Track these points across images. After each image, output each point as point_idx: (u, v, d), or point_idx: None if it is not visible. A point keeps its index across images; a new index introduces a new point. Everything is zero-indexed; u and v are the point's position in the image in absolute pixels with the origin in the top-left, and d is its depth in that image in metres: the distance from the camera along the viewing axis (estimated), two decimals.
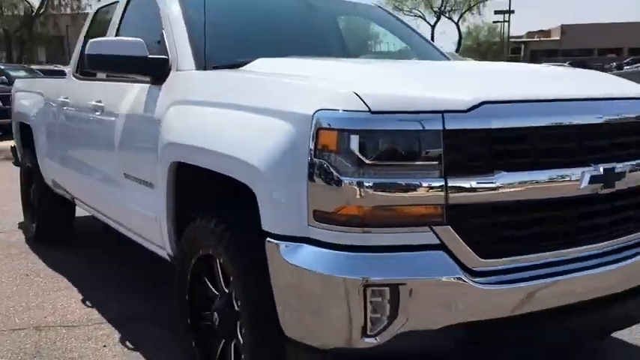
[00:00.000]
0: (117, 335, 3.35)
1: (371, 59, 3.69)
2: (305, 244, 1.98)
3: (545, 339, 2.13)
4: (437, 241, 1.93)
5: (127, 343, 3.25)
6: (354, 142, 1.89)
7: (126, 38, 3.06)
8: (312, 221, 1.96)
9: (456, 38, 50.20)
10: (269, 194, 2.06)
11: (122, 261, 4.72)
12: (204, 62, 2.87)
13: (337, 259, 1.91)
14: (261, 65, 2.70)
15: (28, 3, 28.72)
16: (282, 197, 2.02)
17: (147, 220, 3.06)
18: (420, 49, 3.96)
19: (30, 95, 5.21)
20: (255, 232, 2.15)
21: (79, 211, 5.31)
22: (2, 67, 18.56)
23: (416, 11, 45.44)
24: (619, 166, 2.17)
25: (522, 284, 2.01)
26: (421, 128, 1.90)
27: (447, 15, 44.95)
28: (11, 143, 6.32)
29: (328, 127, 1.92)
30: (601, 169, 2.12)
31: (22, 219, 5.86)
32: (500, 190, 1.97)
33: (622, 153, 2.22)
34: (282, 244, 2.02)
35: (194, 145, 2.53)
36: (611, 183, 2.15)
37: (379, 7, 4.40)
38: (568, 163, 2.09)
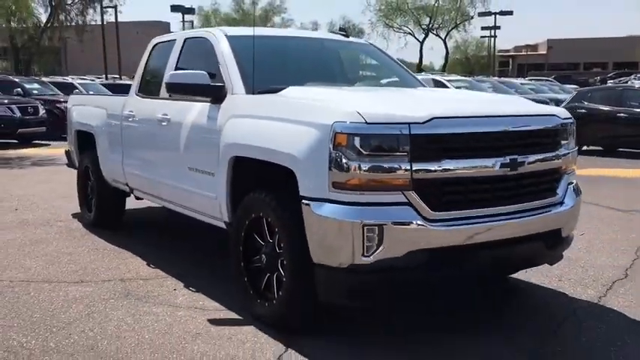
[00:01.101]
0: (182, 284, 4.63)
1: (365, 87, 4.99)
2: (326, 203, 3.28)
3: (472, 264, 3.44)
4: (405, 200, 3.24)
5: (191, 288, 4.52)
6: (357, 141, 3.20)
7: (195, 71, 4.36)
8: (331, 188, 3.26)
9: (444, 53, 51.92)
10: (305, 173, 3.37)
11: (170, 242, 6.02)
12: (252, 89, 4.19)
13: (346, 210, 3.22)
14: (292, 92, 3.99)
15: (37, 18, 30.18)
16: (313, 174, 3.32)
17: (207, 199, 4.35)
18: (401, 76, 5.29)
19: (91, 109, 6.48)
20: (291, 197, 3.45)
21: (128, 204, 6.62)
22: (17, 80, 19.77)
23: (405, 28, 47.13)
24: (520, 158, 3.50)
25: (457, 227, 3.33)
26: (397, 133, 3.21)
27: (434, 32, 46.60)
28: (65, 148, 7.58)
29: (341, 132, 3.22)
30: (508, 159, 3.45)
31: (73, 211, 7.13)
32: (445, 171, 3.29)
33: (523, 149, 3.55)
34: (313, 203, 3.32)
35: (249, 144, 3.84)
36: (514, 168, 3.47)
37: (371, 44, 5.74)
38: (487, 154, 3.41)
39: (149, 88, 5.56)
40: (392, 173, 3.22)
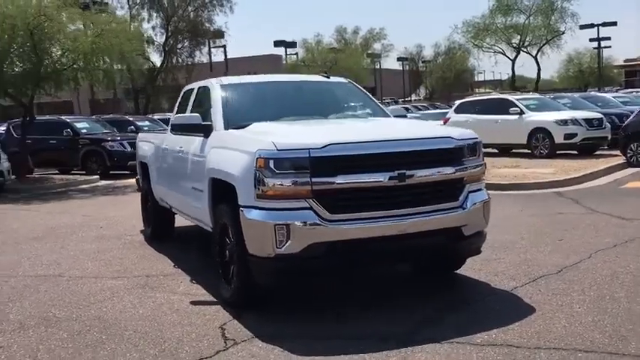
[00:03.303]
0: (188, 278, 5.95)
1: (318, 120, 5.94)
2: (253, 209, 4.45)
3: (365, 254, 4.44)
4: (308, 206, 4.33)
5: (193, 281, 5.83)
6: (271, 163, 4.35)
7: (191, 114, 5.73)
8: (256, 198, 4.42)
9: (545, 69, 50.35)
10: (241, 187, 4.56)
11: (200, 251, 7.40)
12: (227, 126, 5.47)
13: (265, 214, 4.37)
14: (253, 127, 5.21)
15: (152, 63, 34.03)
16: (245, 188, 4.50)
17: (201, 210, 5.65)
18: (371, 106, 6.33)
19: (147, 144, 8.10)
20: (236, 206, 4.64)
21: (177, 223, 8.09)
22: (131, 119, 22.60)
23: (496, 47, 46.47)
24: (408, 172, 4.46)
25: (350, 225, 4.36)
26: (300, 156, 4.33)
27: (525, 50, 45.41)
28: (137, 177, 9.28)
29: (260, 157, 4.39)
30: (396, 173, 4.42)
31: (142, 228, 8.73)
32: (339, 184, 4.34)
33: (413, 165, 4.50)
34: (245, 209, 4.50)
35: (217, 168, 5.10)
36: (402, 180, 4.44)
37: (349, 82, 6.82)
38: (377, 170, 4.42)
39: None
40: (297, 186, 4.33)
